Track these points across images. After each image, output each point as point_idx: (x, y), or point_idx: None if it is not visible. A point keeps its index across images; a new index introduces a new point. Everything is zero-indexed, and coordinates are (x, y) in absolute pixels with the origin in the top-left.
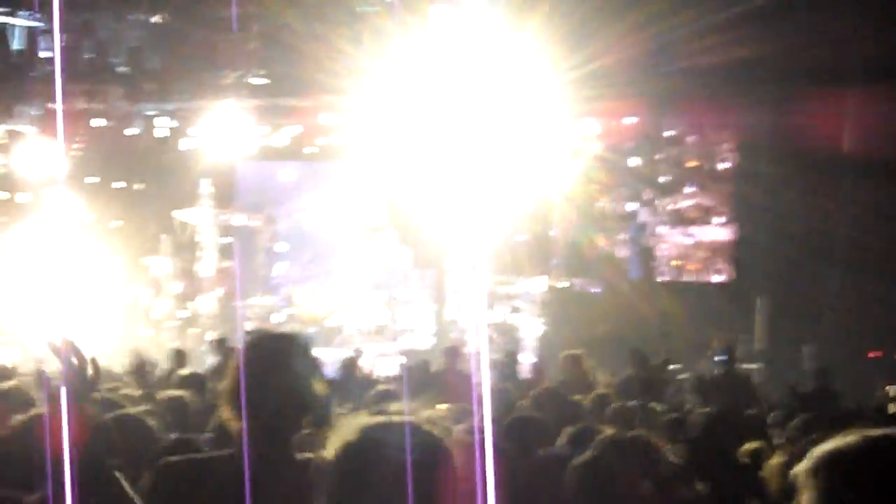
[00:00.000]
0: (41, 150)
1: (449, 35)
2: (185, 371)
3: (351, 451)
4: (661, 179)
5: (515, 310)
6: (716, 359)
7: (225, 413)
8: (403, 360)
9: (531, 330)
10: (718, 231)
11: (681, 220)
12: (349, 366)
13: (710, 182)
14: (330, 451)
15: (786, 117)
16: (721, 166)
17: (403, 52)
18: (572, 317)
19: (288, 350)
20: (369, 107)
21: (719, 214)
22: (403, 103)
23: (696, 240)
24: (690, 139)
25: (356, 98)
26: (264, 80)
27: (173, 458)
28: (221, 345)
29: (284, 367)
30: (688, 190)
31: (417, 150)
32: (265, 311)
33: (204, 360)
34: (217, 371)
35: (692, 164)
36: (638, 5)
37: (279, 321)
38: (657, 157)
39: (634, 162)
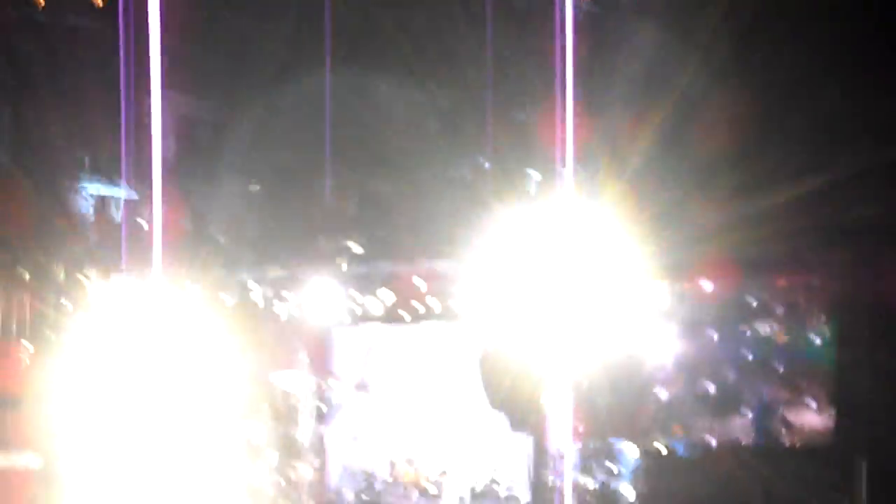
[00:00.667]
0: (141, 318)
1: (544, 201)
2: None
3: None
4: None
5: (612, 474)
6: None
7: None
8: None
9: (629, 495)
10: (816, 419)
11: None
12: None
13: (802, 362)
14: None
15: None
16: (814, 339)
17: (499, 218)
18: (671, 481)
19: None
20: (465, 271)
21: (815, 398)
22: (499, 268)
23: (791, 429)
24: (780, 310)
25: (451, 263)
26: (361, 247)
27: None
28: None
29: None
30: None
31: (511, 315)
32: (366, 478)
33: None
34: None
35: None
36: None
37: (380, 488)
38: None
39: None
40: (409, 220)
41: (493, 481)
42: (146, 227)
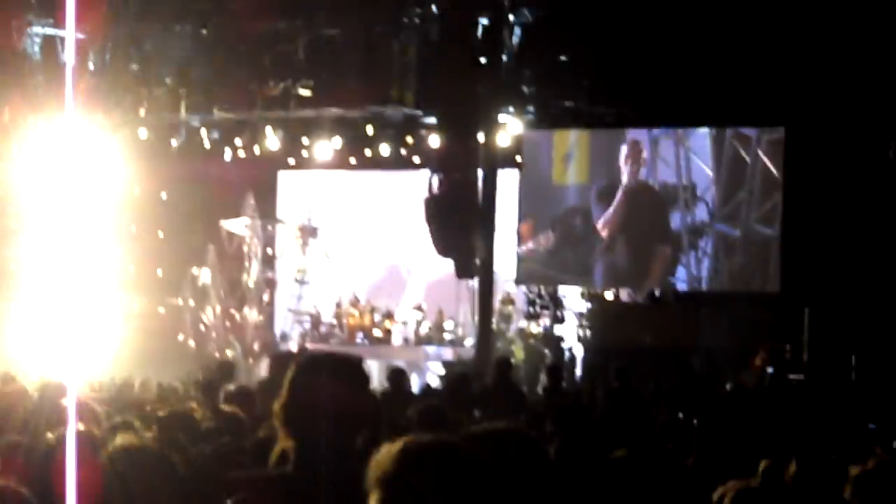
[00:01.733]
0: (85, 161)
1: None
2: (232, 386)
3: (390, 475)
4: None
5: (558, 319)
6: (767, 370)
7: (280, 432)
8: (443, 371)
9: (572, 340)
10: (763, 231)
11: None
12: (397, 378)
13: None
14: (372, 474)
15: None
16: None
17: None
18: (616, 327)
19: (340, 371)
20: (413, 117)
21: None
22: (446, 114)
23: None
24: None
25: (400, 109)
26: (309, 91)
27: (234, 475)
28: (279, 361)
29: (336, 389)
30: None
31: (454, 160)
32: (311, 321)
33: (250, 373)
34: (268, 386)
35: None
36: None
37: (325, 331)
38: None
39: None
40: (358, 65)
41: (438, 324)
42: (92, 67)
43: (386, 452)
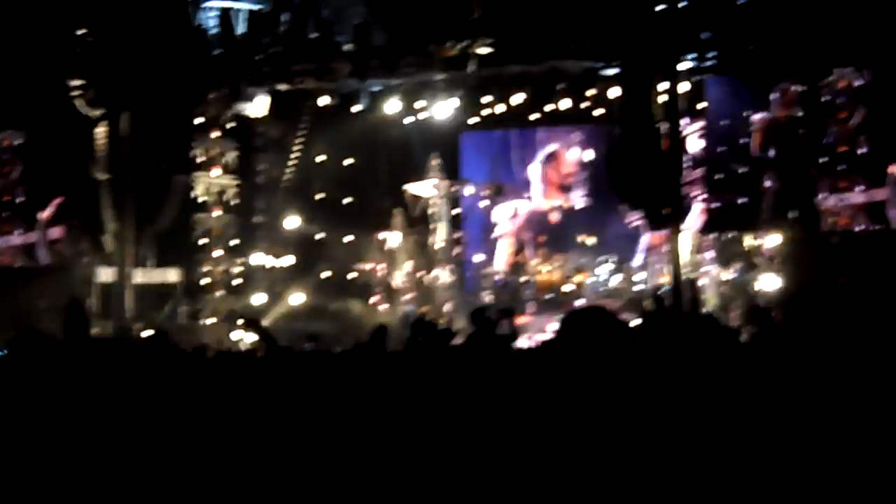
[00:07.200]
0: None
1: None
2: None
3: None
4: None
5: (751, 266)
6: None
7: None
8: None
9: (767, 284)
10: None
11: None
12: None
13: None
14: None
15: None
16: None
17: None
18: (810, 269)
19: None
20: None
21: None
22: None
23: None
24: None
25: (581, 64)
26: (489, 49)
27: None
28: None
29: None
30: None
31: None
32: (501, 279)
33: None
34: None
35: None
36: None
37: (514, 288)
38: None
39: None
40: (535, 20)
41: (628, 277)
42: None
43: None
